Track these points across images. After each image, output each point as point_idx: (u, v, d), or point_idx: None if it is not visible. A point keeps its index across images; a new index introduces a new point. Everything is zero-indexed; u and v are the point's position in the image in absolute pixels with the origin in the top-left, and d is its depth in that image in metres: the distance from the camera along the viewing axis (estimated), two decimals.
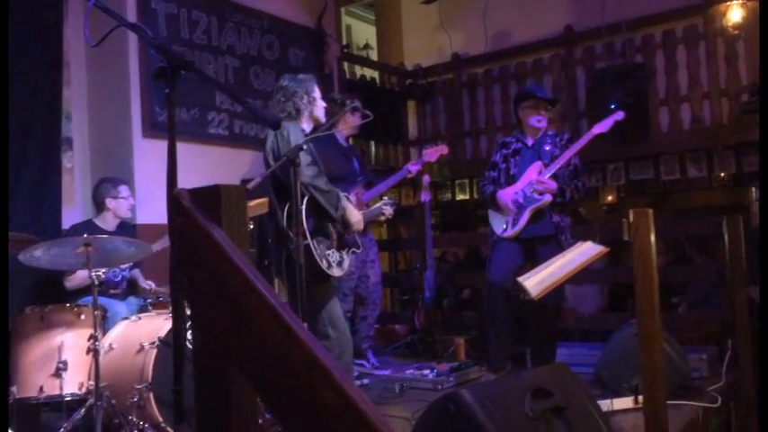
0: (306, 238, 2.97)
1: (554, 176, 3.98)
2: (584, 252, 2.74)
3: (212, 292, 1.00)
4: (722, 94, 5.76)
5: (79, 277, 3.67)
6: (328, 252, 3.11)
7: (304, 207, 3.00)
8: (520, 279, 2.78)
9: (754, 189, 5.93)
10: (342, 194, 3.22)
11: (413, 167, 4.47)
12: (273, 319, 0.92)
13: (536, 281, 2.68)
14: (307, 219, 3.00)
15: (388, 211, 3.71)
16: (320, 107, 3.34)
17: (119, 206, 3.95)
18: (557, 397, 2.31)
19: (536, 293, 2.60)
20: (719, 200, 7.44)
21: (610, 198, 8.61)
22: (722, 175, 6.56)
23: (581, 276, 5.76)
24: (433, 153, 4.58)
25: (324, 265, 3.06)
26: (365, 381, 4.19)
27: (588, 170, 6.46)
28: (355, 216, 3.21)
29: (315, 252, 3.01)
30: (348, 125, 4.25)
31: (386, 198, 4.07)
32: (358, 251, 3.37)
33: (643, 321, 2.57)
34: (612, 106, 5.78)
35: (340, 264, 3.17)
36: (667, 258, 6.17)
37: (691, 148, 5.91)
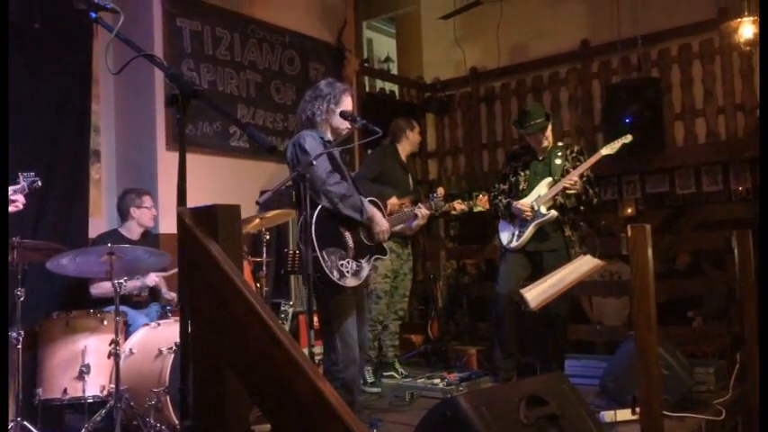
0: (314, 249, 2.93)
1: (564, 191, 4.06)
2: (582, 265, 2.82)
3: (208, 299, 1.13)
4: (737, 109, 5.78)
5: (104, 287, 3.81)
6: (342, 262, 3.03)
7: (315, 217, 2.96)
8: (522, 291, 2.87)
9: None
10: (365, 200, 3.15)
11: (458, 205, 4.49)
12: (259, 324, 1.04)
13: (536, 292, 2.77)
14: (318, 229, 2.96)
15: (422, 212, 3.51)
16: (338, 119, 3.21)
17: (142, 215, 4.11)
18: (552, 405, 2.39)
19: (535, 305, 2.69)
20: (739, 214, 7.40)
21: (629, 211, 8.59)
22: (740, 189, 6.55)
23: (606, 289, 5.86)
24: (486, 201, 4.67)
25: (335, 276, 2.97)
26: (375, 389, 4.30)
27: (604, 183, 6.52)
28: (380, 225, 3.16)
29: (324, 264, 2.94)
30: (410, 141, 4.77)
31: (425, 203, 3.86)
32: (384, 257, 3.30)
33: (640, 334, 2.65)
34: (627, 120, 5.86)
35: (357, 273, 3.08)
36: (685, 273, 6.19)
37: (706, 161, 5.94)
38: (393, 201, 4.35)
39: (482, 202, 4.26)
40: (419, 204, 3.52)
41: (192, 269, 1.17)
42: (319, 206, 3.01)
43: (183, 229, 1.19)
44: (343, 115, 3.17)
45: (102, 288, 3.85)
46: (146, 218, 4.13)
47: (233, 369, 1.11)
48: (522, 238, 4.10)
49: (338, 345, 3.03)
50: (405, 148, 4.78)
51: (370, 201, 3.24)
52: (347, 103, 3.24)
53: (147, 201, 4.15)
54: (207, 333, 1.15)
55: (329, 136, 3.22)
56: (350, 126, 3.25)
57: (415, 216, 3.46)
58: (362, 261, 3.14)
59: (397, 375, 4.63)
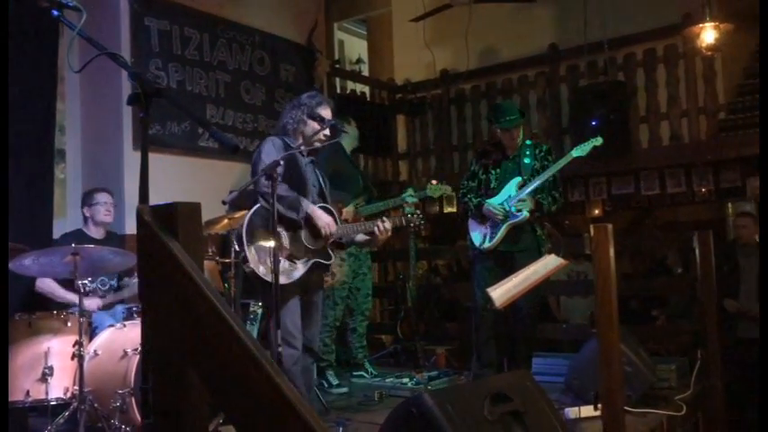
0: (242, 245, 3.06)
1: (533, 191, 4.10)
2: (546, 265, 2.87)
3: (168, 296, 1.14)
4: (700, 112, 5.91)
5: (48, 285, 3.78)
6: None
7: (249, 215, 3.09)
8: (488, 289, 2.91)
9: (730, 204, 6.07)
10: (304, 199, 3.21)
11: (410, 199, 4.50)
12: (218, 320, 1.05)
13: (501, 291, 2.81)
14: (251, 225, 3.08)
15: (383, 227, 3.29)
16: (310, 127, 3.31)
17: (94, 212, 4.05)
18: (516, 402, 2.43)
19: (500, 303, 2.73)
20: (703, 215, 7.59)
21: (596, 212, 8.75)
22: (703, 190, 6.70)
23: (572, 288, 5.95)
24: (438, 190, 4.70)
25: (260, 271, 3.08)
26: (343, 389, 4.31)
27: (571, 184, 6.63)
28: (322, 219, 3.21)
29: (250, 259, 3.06)
30: (350, 135, 4.72)
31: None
32: (327, 262, 3.29)
33: (602, 331, 2.70)
34: (594, 123, 5.96)
35: (288, 272, 3.12)
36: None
37: (670, 164, 6.06)
38: (349, 209, 4.34)
39: (432, 190, 4.32)
40: (383, 218, 3.42)
41: (152, 266, 1.18)
42: (257, 205, 3.12)
43: (143, 227, 1.19)
44: (312, 116, 3.25)
45: (45, 285, 3.79)
46: (99, 215, 4.05)
47: (192, 365, 1.12)
48: (495, 239, 4.09)
49: (278, 340, 3.04)
50: (348, 143, 4.72)
51: (321, 207, 3.28)
52: (323, 114, 3.33)
53: (99, 197, 4.07)
54: (166, 330, 1.16)
55: (297, 143, 3.31)
56: (322, 137, 3.30)
57: (372, 233, 3.32)
58: (298, 262, 3.19)
59: (366, 375, 4.66)
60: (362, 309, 4.69)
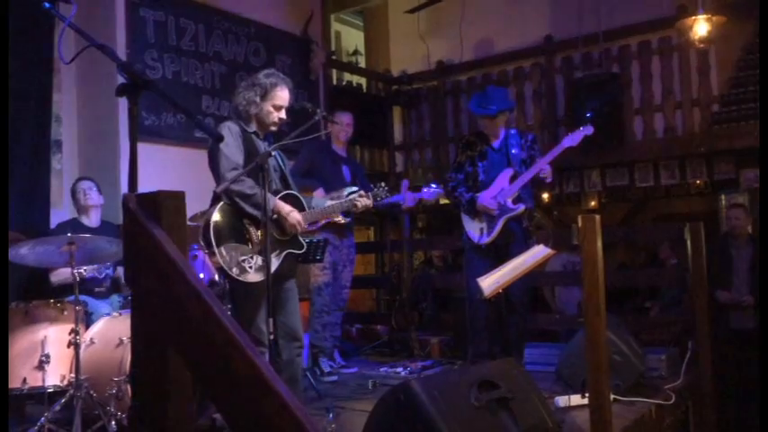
0: (211, 246, 2.86)
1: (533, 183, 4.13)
2: (534, 254, 2.91)
3: (152, 282, 1.17)
4: (694, 104, 5.94)
5: (64, 273, 3.80)
6: (244, 257, 2.93)
7: (215, 213, 2.90)
8: (478, 279, 2.95)
9: (723, 196, 6.10)
10: (272, 196, 3.00)
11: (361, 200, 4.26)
12: (199, 305, 1.09)
13: (490, 281, 2.84)
14: (218, 225, 2.89)
15: (363, 202, 3.32)
16: (267, 112, 3.09)
17: (77, 201, 4.14)
18: (503, 389, 2.48)
19: (488, 293, 2.77)
20: (697, 207, 7.63)
21: (592, 204, 8.79)
22: (698, 182, 6.74)
23: (567, 279, 5.98)
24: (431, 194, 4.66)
25: (234, 272, 2.89)
26: (334, 378, 4.33)
27: (566, 176, 6.66)
28: (290, 219, 3.03)
29: (222, 261, 2.87)
30: (338, 129, 4.62)
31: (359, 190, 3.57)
32: (298, 251, 3.14)
33: (589, 320, 2.73)
34: (588, 115, 5.98)
35: (263, 269, 2.89)
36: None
37: (664, 156, 6.09)
38: (318, 194, 4.24)
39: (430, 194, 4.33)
40: (360, 192, 3.39)
41: (137, 252, 1.22)
42: (221, 202, 2.94)
43: (128, 214, 1.23)
44: (266, 98, 3.08)
45: (61, 274, 3.83)
46: (80, 202, 4.13)
47: (176, 348, 1.16)
48: (493, 234, 4.06)
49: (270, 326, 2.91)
50: (335, 140, 4.66)
51: (287, 194, 3.13)
52: (278, 97, 3.09)
53: (78, 186, 4.16)
54: (151, 313, 1.20)
55: (254, 128, 3.13)
56: (277, 120, 3.10)
57: (354, 206, 3.31)
58: (272, 256, 2.96)
59: (333, 364, 4.60)
60: (337, 300, 4.66)
